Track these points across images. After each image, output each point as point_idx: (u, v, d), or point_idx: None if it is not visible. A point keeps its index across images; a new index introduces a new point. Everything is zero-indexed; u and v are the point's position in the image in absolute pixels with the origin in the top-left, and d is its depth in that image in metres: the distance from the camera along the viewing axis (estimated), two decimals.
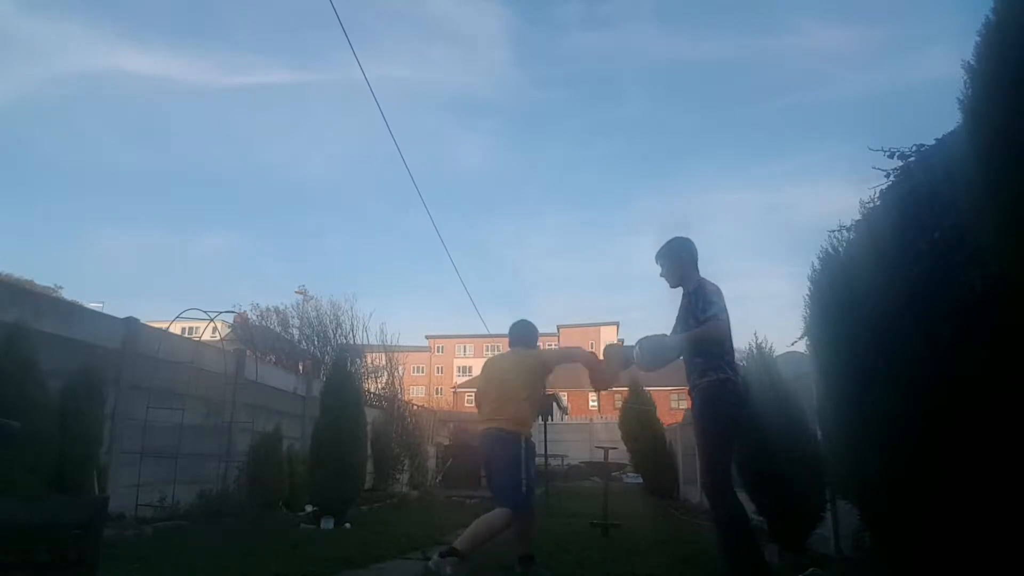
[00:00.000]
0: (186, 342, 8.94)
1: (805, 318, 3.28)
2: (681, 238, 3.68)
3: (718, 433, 3.31)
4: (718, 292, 3.45)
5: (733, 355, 3.42)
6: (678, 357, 3.51)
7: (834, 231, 3.16)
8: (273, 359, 18.46)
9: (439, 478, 14.43)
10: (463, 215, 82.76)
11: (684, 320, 3.50)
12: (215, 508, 6.81)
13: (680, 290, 3.64)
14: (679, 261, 3.62)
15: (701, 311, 3.37)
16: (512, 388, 4.11)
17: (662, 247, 3.69)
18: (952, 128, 2.51)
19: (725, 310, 3.42)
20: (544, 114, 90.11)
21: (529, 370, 4.18)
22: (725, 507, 3.20)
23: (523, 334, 4.48)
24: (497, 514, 3.89)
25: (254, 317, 22.90)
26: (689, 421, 12.45)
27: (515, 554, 4.05)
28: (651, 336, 3.59)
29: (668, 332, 3.63)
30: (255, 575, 4.05)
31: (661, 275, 3.71)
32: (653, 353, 3.51)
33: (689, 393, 3.52)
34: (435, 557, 3.68)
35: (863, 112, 66.40)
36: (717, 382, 3.29)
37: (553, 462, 16.59)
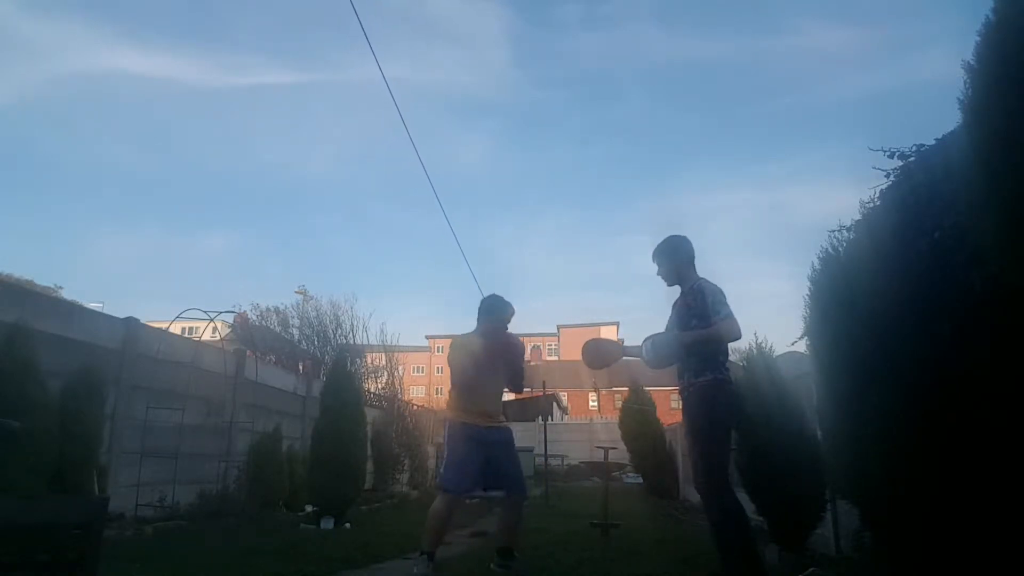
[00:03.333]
0: (186, 342, 8.95)
1: (805, 318, 3.27)
2: (677, 236, 3.67)
3: (715, 432, 3.30)
4: (723, 292, 3.44)
5: (727, 356, 3.43)
6: (678, 358, 3.50)
7: (834, 231, 3.16)
8: (273, 359, 18.47)
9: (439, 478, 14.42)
10: (463, 215, 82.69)
11: (685, 320, 3.48)
12: (215, 508, 6.81)
13: (676, 289, 3.63)
14: (675, 260, 3.60)
15: (713, 311, 3.33)
16: None
17: (658, 246, 3.68)
18: (952, 128, 2.51)
19: None
20: (544, 114, 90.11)
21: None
22: (721, 506, 3.19)
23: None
24: (436, 500, 3.95)
25: (254, 317, 22.94)
26: None
27: (495, 545, 4.01)
28: (661, 332, 3.57)
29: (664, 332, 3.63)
30: (255, 575, 4.05)
31: (658, 274, 3.70)
32: (666, 350, 3.49)
33: (681, 393, 3.50)
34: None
35: (863, 112, 66.39)
36: (714, 382, 3.29)
37: (553, 462, 16.61)
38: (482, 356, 3.93)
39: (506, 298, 4.21)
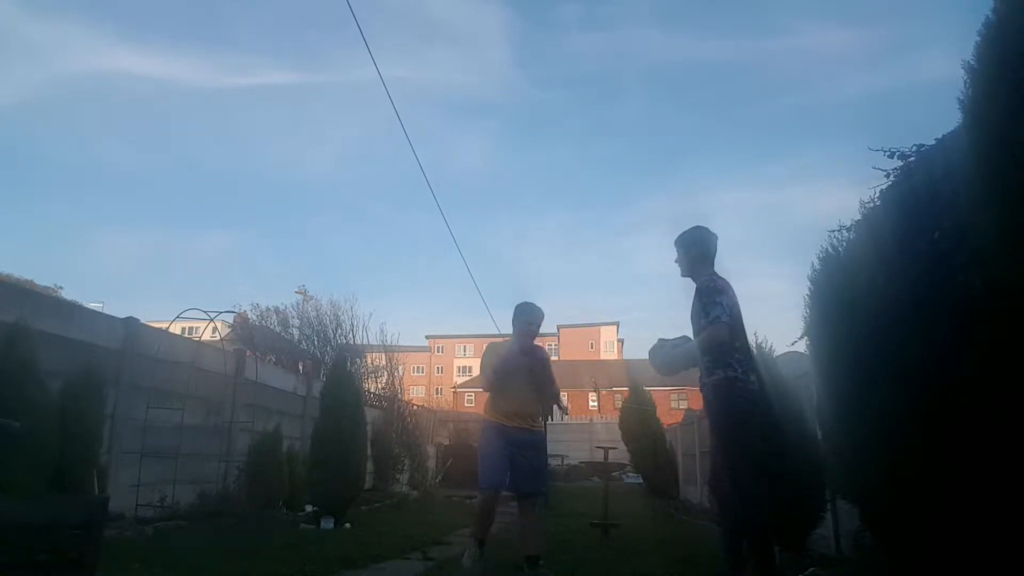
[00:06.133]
0: (186, 342, 8.94)
1: (805, 318, 3.27)
2: (700, 229, 3.56)
3: (730, 431, 3.23)
4: (725, 290, 3.32)
5: (746, 352, 3.30)
6: (690, 365, 3.46)
7: (834, 231, 3.17)
8: (273, 359, 18.45)
9: (439, 478, 14.43)
10: (463, 215, 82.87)
11: (696, 319, 3.44)
12: (215, 508, 6.81)
13: (689, 281, 3.58)
14: (689, 254, 3.51)
15: (704, 314, 3.29)
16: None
17: (681, 234, 3.58)
18: (952, 128, 2.52)
19: (734, 306, 3.30)
20: (544, 114, 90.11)
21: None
22: (747, 505, 3.05)
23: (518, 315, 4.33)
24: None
25: (254, 317, 22.87)
26: (689, 421, 12.45)
27: (523, 554, 4.07)
28: (659, 346, 3.55)
29: (674, 330, 3.62)
30: (255, 575, 4.05)
31: (676, 261, 3.62)
32: (664, 364, 3.49)
33: (700, 391, 3.44)
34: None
35: (863, 112, 66.48)
36: (725, 381, 3.21)
37: (553, 462, 16.60)
38: (510, 360, 4.14)
39: (509, 298, 4.33)
